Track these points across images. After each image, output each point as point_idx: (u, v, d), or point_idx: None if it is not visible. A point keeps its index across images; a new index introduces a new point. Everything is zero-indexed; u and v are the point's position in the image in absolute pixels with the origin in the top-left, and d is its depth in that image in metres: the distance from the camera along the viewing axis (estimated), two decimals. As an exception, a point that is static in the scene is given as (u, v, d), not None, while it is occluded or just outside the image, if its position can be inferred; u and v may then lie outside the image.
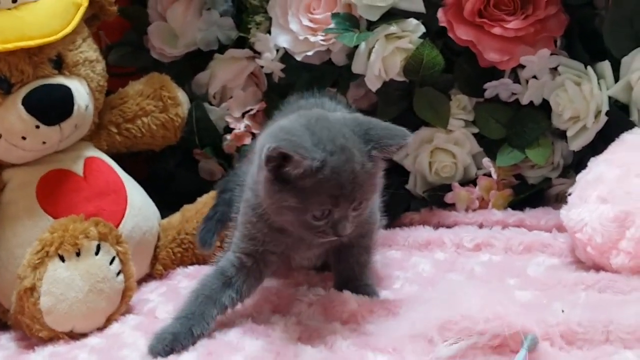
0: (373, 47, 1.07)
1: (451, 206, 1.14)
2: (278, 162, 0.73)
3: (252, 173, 0.82)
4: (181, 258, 1.09)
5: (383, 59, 1.07)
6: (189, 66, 1.24)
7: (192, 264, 1.09)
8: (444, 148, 1.14)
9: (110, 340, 0.87)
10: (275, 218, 0.80)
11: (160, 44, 1.23)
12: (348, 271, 0.89)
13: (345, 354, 0.75)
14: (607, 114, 1.06)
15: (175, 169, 1.26)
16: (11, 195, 0.99)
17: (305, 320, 0.82)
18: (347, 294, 0.84)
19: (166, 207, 1.13)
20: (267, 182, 0.76)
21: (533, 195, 1.14)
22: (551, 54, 1.08)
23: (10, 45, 0.92)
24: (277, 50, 1.15)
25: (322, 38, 1.10)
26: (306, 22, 1.11)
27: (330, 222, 0.76)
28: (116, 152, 1.11)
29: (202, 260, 1.08)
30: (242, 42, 1.21)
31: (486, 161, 1.13)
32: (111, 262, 0.91)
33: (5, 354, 0.89)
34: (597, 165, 0.95)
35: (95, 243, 0.90)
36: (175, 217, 1.11)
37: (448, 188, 1.14)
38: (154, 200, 1.11)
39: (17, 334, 0.93)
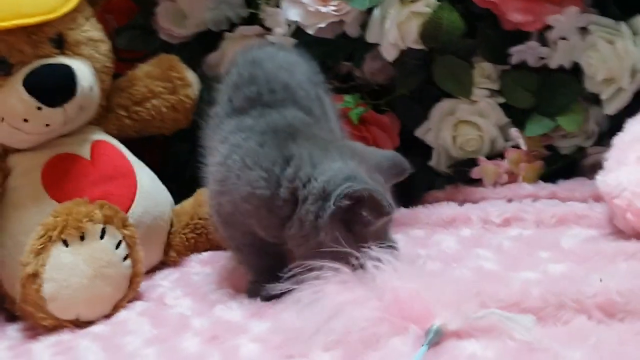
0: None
1: (478, 182, 1.07)
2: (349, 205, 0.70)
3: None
4: (195, 244, 1.04)
5: (398, 24, 1.01)
6: (200, 47, 1.19)
7: (206, 250, 1.04)
8: (468, 120, 1.07)
9: (114, 328, 0.82)
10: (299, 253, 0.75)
11: (168, 25, 1.18)
12: None
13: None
14: (644, 73, 0.99)
15: (190, 154, 1.21)
16: (17, 181, 0.96)
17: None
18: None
19: (182, 193, 1.08)
20: (310, 224, 0.72)
21: (566, 166, 1.07)
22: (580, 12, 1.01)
23: (7, 24, 0.89)
24: (289, 26, 1.10)
25: (334, 8, 1.04)
26: (317, -8, 1.06)
27: None
28: (127, 136, 1.07)
29: (216, 246, 1.03)
30: (253, 20, 1.15)
31: (514, 132, 1.06)
32: (117, 247, 0.87)
33: (10, 344, 0.85)
34: (634, 125, 0.88)
35: (100, 226, 0.86)
36: (188, 202, 1.07)
37: (474, 163, 1.07)
38: (169, 187, 1.06)
39: (25, 324, 0.90)
